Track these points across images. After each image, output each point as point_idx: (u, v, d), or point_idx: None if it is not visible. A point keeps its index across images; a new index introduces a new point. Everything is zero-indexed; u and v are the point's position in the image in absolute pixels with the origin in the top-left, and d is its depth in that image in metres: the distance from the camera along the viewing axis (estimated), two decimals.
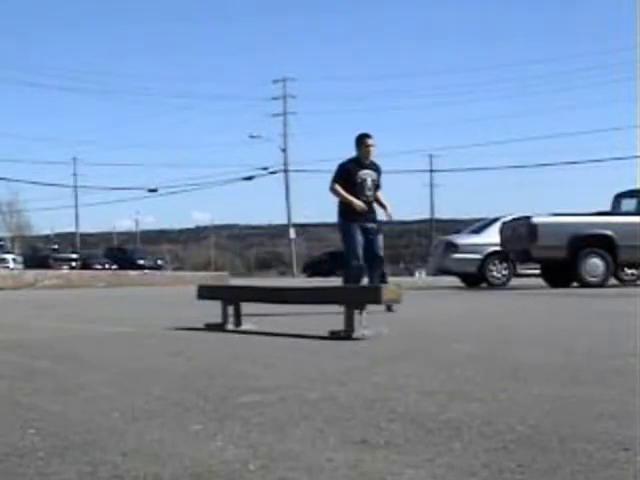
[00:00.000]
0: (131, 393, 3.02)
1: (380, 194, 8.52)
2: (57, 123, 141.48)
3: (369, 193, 8.34)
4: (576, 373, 3.31)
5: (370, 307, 5.08)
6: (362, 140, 8.38)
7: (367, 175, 8.37)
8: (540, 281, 16.23)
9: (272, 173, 50.75)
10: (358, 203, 8.22)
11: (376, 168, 8.54)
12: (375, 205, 8.49)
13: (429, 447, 2.04)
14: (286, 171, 51.20)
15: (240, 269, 67.03)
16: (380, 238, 8.42)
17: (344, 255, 8.49)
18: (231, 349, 4.74)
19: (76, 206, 66.60)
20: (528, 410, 2.50)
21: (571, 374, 3.29)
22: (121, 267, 39.13)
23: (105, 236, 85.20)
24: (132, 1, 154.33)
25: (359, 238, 8.28)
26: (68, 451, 2.07)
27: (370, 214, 8.36)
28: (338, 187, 8.35)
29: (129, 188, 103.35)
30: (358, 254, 8.26)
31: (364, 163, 8.41)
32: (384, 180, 8.73)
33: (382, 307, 7.67)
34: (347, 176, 8.35)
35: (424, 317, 7.35)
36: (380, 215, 8.54)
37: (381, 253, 8.39)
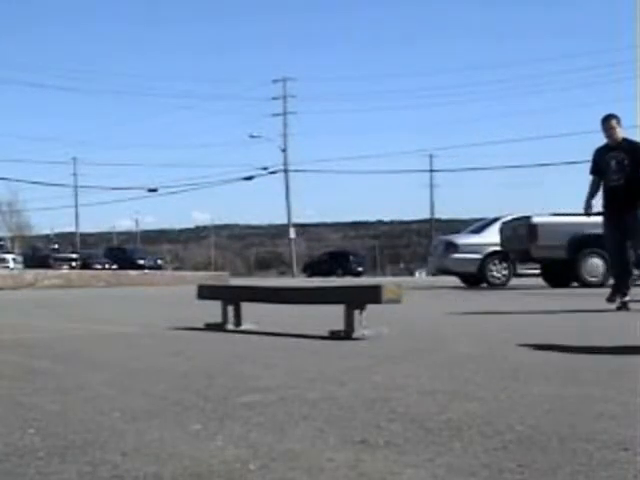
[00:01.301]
0: (131, 393, 3.02)
1: None
2: (57, 123, 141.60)
3: (615, 176, 7.84)
4: (576, 373, 3.31)
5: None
6: (602, 125, 7.95)
7: (611, 158, 7.87)
8: (540, 281, 16.23)
9: (272, 173, 50.67)
10: (586, 203, 8.03)
11: (626, 146, 7.90)
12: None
13: (429, 447, 2.04)
14: (286, 171, 51.09)
15: (240, 269, 67.03)
16: (636, 231, 7.80)
17: None
18: (231, 349, 4.74)
19: (76, 206, 66.60)
20: (528, 410, 2.50)
21: (571, 374, 3.29)
22: (121, 267, 39.10)
23: (105, 236, 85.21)
24: (132, 1, 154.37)
25: (607, 232, 8.07)
26: (68, 451, 2.07)
27: (616, 203, 7.84)
28: (591, 179, 8.10)
29: (129, 188, 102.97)
30: (610, 250, 8.22)
31: (611, 146, 7.92)
32: None
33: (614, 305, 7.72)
34: (596, 163, 8.06)
35: (424, 317, 7.35)
36: None
37: (637, 249, 7.86)
